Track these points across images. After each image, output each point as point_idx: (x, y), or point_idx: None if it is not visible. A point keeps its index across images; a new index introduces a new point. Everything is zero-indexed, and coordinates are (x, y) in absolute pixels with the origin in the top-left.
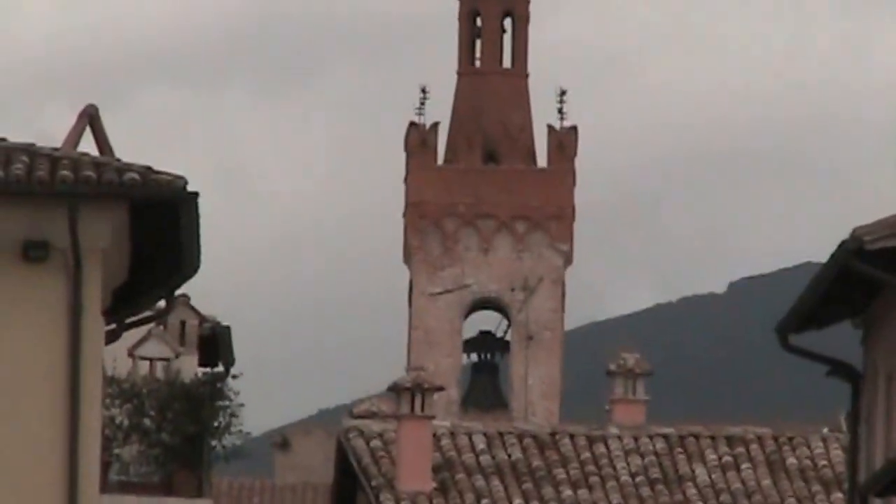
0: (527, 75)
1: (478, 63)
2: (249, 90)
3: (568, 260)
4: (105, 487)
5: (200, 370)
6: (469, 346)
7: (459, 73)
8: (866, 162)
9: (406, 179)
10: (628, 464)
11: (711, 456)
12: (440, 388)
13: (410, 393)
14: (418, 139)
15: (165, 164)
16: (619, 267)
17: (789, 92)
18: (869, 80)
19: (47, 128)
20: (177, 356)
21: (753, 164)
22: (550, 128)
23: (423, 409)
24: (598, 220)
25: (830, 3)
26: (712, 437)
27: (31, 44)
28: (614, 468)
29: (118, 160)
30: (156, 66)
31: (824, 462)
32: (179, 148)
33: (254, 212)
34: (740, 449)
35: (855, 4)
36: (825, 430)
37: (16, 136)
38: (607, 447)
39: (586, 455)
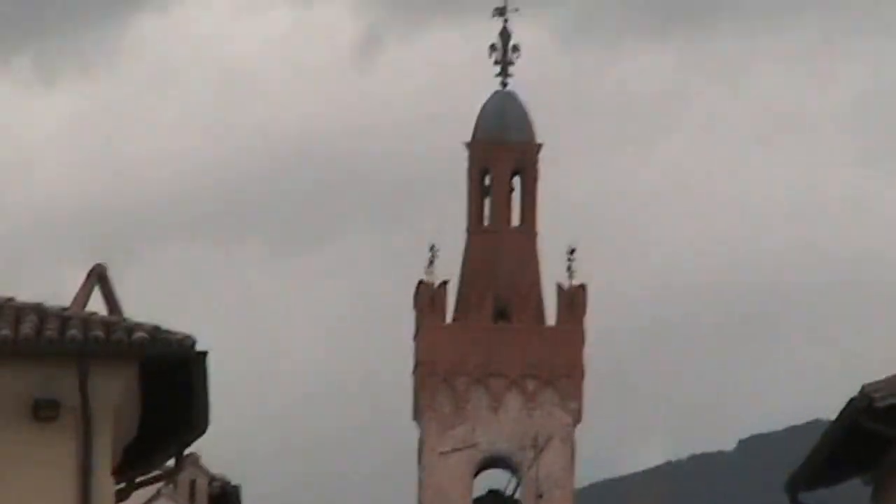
0: (536, 234)
1: (487, 221)
2: (263, 249)
3: (577, 418)
4: None
5: None
6: None
7: (469, 232)
8: (874, 318)
9: (416, 338)
10: None
11: None
12: None
13: None
14: (428, 298)
15: (179, 320)
16: (629, 424)
17: (798, 249)
18: (877, 237)
19: (59, 285)
20: None
21: (762, 321)
22: (560, 286)
23: None
24: (607, 378)
25: (840, 159)
26: None
27: (43, 200)
28: None
29: (127, 319)
30: (170, 223)
31: None
32: (193, 305)
33: (265, 368)
34: None
35: (865, 162)
36: None
37: (27, 294)
38: None
39: None
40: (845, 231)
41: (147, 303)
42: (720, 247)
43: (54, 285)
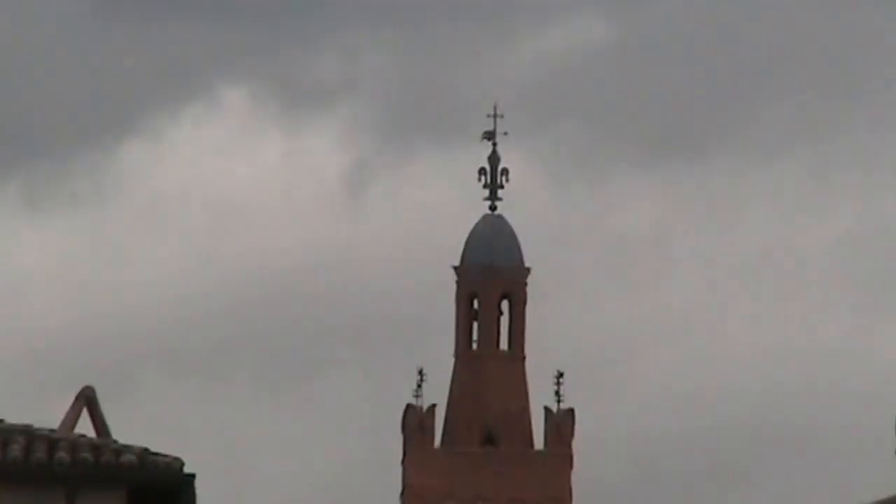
0: (524, 358)
1: (475, 346)
2: (251, 379)
3: None
4: None
5: None
6: None
7: (457, 356)
8: (865, 449)
9: (403, 462)
10: None
11: None
12: None
13: None
14: (416, 422)
15: (167, 449)
16: None
17: (788, 388)
18: (872, 374)
19: (46, 413)
20: None
21: (751, 458)
22: (548, 410)
23: None
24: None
25: (833, 299)
26: None
27: (31, 329)
28: None
29: (115, 442)
30: (157, 354)
31: None
32: (180, 434)
33: (252, 496)
34: None
35: (858, 303)
36: None
37: (15, 419)
38: None
39: None
40: (838, 373)
41: (134, 433)
42: (709, 379)
43: (41, 413)
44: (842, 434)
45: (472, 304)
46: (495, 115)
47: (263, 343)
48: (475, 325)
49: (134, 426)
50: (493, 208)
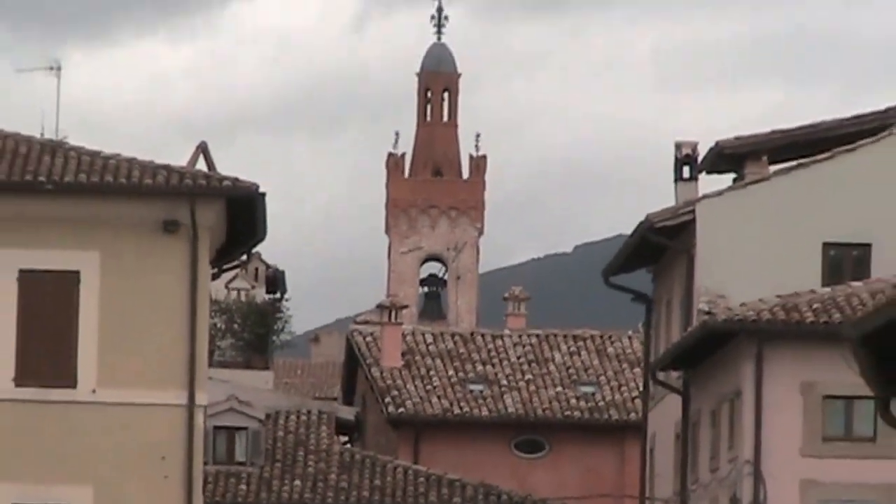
0: (457, 125)
1: (429, 118)
2: (307, 140)
3: (481, 232)
4: (211, 364)
5: (267, 296)
6: (423, 282)
7: (418, 124)
8: (656, 177)
9: (386, 185)
10: (515, 351)
11: (563, 346)
12: (406, 307)
13: (389, 309)
14: (393, 162)
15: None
16: (511, 235)
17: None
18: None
19: (174, 161)
20: (252, 288)
21: (581, 174)
22: (471, 156)
23: (396, 318)
24: (499, 210)
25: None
26: (564, 336)
27: (170, 105)
28: (507, 353)
29: (219, 174)
30: (252, 121)
31: (630, 350)
32: (257, 173)
33: (301, 209)
34: (580, 343)
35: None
36: (630, 333)
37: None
38: (503, 341)
39: (490, 346)
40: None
41: (229, 171)
42: (584, 123)
43: (174, 160)
44: (627, 167)
45: (426, 95)
46: None
47: (314, 117)
48: (428, 106)
49: (230, 168)
50: (439, 37)
